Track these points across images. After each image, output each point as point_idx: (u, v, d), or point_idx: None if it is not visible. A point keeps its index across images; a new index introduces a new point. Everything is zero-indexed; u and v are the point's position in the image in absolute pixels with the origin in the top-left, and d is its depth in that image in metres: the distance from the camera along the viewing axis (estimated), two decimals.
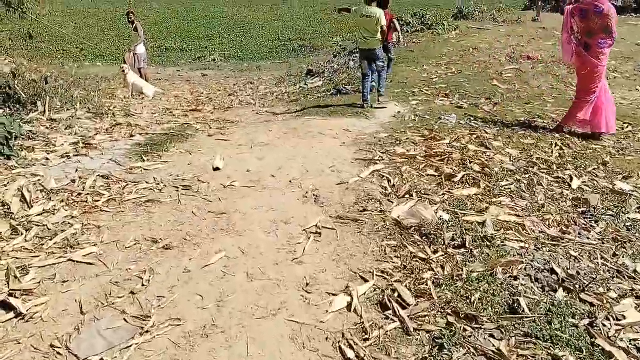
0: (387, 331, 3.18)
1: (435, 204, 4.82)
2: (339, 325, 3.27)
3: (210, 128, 8.12)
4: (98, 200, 5.05)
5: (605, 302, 3.39)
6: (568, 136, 7.18)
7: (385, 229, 4.40)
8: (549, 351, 2.94)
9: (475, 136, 6.97)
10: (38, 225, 4.54)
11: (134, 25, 13.68)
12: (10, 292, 3.63)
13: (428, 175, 5.60)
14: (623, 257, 4.01)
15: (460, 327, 3.14)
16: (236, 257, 4.07)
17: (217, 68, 21.05)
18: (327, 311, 3.40)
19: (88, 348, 3.12)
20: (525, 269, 3.75)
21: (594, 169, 5.94)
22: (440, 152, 6.24)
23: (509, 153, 6.34)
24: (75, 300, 3.56)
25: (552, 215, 4.73)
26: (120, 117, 8.65)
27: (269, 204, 5.01)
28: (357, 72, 12.90)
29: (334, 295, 3.56)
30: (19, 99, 7.98)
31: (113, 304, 3.52)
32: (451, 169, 5.71)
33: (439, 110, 8.55)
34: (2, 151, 5.92)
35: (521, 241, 4.19)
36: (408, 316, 3.26)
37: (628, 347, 2.99)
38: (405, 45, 15.30)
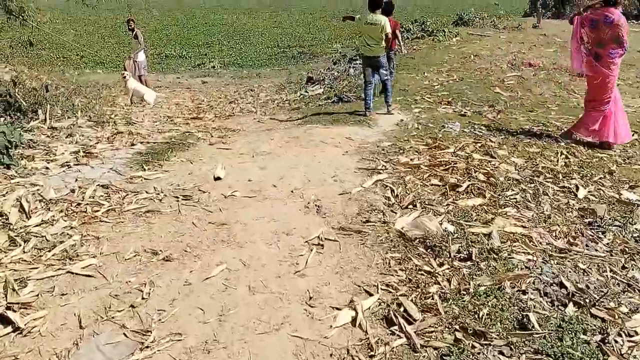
0: (393, 347, 3.10)
1: (440, 215, 4.74)
2: (343, 341, 3.19)
3: (212, 136, 8.05)
4: (97, 211, 4.98)
5: (616, 317, 3.31)
6: (573, 144, 7.12)
7: (389, 241, 4.32)
8: None
9: (479, 144, 6.90)
10: (36, 236, 4.47)
11: (134, 32, 13.63)
12: (8, 305, 3.55)
13: (432, 185, 5.53)
14: (632, 269, 3.94)
15: (469, 344, 3.06)
16: (237, 270, 3.99)
17: (216, 75, 21.02)
18: (331, 326, 3.32)
19: None
20: (533, 283, 3.68)
21: (600, 178, 5.87)
22: (445, 161, 6.17)
23: (514, 162, 6.28)
24: (74, 314, 3.49)
25: (558, 226, 4.66)
26: (122, 126, 8.58)
27: (270, 214, 4.93)
28: (358, 79, 12.87)
29: (337, 309, 3.48)
30: (20, 107, 7.93)
31: (112, 317, 3.45)
32: (456, 178, 5.64)
33: (441, 118, 8.50)
34: (2, 160, 5.85)
35: (528, 253, 4.12)
36: (414, 332, 3.18)
37: None
38: (406, 52, 15.26)
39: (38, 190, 5.37)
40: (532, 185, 5.59)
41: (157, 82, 17.02)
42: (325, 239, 4.42)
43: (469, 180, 5.57)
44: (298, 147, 6.96)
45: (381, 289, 3.67)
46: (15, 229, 4.56)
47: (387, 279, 3.78)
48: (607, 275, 3.87)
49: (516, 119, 8.72)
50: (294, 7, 50.55)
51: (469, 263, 3.93)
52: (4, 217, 4.76)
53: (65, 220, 4.75)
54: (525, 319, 3.26)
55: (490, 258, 3.98)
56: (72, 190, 5.44)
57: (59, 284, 3.82)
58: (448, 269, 3.86)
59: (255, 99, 14.20)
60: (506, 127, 8.09)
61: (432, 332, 3.21)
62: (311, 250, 4.24)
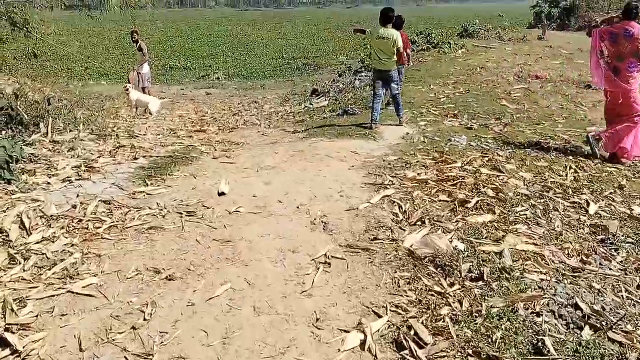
0: None
1: (450, 232, 4.63)
2: None
3: (216, 150, 7.98)
4: (99, 227, 4.88)
5: (635, 341, 3.19)
6: (582, 158, 7.02)
7: (397, 260, 4.21)
8: None
9: (487, 159, 6.81)
10: (37, 254, 4.37)
11: (138, 44, 13.62)
12: (7, 326, 3.45)
13: (440, 200, 5.43)
14: None
15: None
16: (242, 289, 3.88)
17: (221, 87, 21.02)
18: (339, 350, 3.20)
19: None
20: (548, 304, 3.56)
21: (611, 193, 5.78)
22: (453, 176, 6.07)
23: (523, 177, 6.18)
24: (75, 336, 3.37)
25: (571, 243, 4.55)
26: (124, 139, 8.51)
27: (276, 231, 4.82)
28: (363, 92, 12.82)
29: (346, 332, 3.36)
30: (22, 120, 7.87)
31: (114, 340, 3.33)
32: (464, 194, 5.54)
33: (448, 132, 8.42)
34: (3, 175, 5.77)
35: (541, 273, 4.01)
36: (426, 357, 3.06)
37: None
38: (412, 64, 15.22)
39: (39, 206, 5.28)
40: (542, 201, 5.49)
41: (161, 94, 17.00)
42: (333, 257, 4.31)
43: (478, 196, 5.47)
44: (303, 162, 6.87)
45: (391, 310, 3.55)
46: (16, 247, 4.46)
47: (396, 300, 3.67)
48: (622, 296, 3.76)
49: (523, 132, 8.64)
50: (299, 19, 50.80)
51: (480, 283, 3.81)
52: (5, 234, 4.66)
53: (66, 238, 4.65)
54: (540, 344, 3.14)
55: (502, 278, 3.86)
56: (74, 206, 5.34)
57: (59, 304, 3.72)
58: (459, 289, 3.75)
59: (260, 111, 14.15)
60: (513, 140, 8.02)
61: (444, 357, 3.09)
62: (318, 269, 4.14)
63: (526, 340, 3.19)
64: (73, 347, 3.29)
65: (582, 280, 3.96)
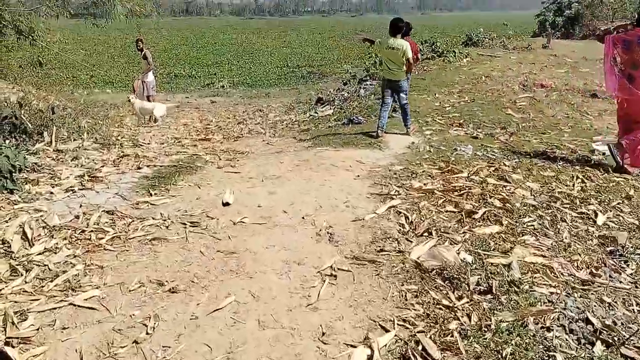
0: None
1: (457, 244, 4.56)
2: None
3: (220, 159, 7.93)
4: (102, 238, 4.82)
5: None
6: (589, 168, 6.94)
7: (404, 272, 4.14)
8: None
9: (493, 168, 6.74)
10: (39, 265, 4.32)
11: (143, 52, 13.63)
12: (7, 340, 3.39)
13: (447, 211, 5.35)
14: None
15: None
16: (246, 302, 3.82)
17: (226, 95, 21.05)
18: None
19: None
20: (558, 319, 3.48)
21: (619, 204, 5.69)
22: (459, 186, 6.00)
23: (529, 187, 6.10)
24: (76, 350, 3.32)
25: (579, 255, 4.47)
26: (128, 148, 8.48)
27: (280, 242, 4.76)
28: (368, 100, 12.78)
29: (352, 346, 3.29)
30: (25, 129, 7.84)
31: (115, 354, 3.27)
32: (471, 204, 5.47)
33: (453, 141, 8.36)
34: (6, 185, 5.73)
35: (550, 286, 3.93)
36: None
37: None
38: (416, 72, 15.20)
39: (42, 216, 5.24)
40: (550, 211, 5.41)
41: (166, 102, 17.02)
42: (338, 269, 4.24)
43: (485, 207, 5.40)
44: (308, 171, 6.81)
45: (398, 324, 3.47)
46: (17, 258, 4.41)
47: (403, 314, 3.59)
48: (634, 310, 3.67)
49: (529, 141, 8.57)
50: (303, 27, 50.95)
51: (489, 296, 3.73)
52: (6, 244, 4.62)
53: (68, 249, 4.60)
54: (551, 359, 3.07)
55: (511, 291, 3.78)
56: (77, 217, 5.30)
57: (61, 316, 3.66)
58: (468, 302, 3.67)
59: (264, 119, 14.13)
60: (519, 149, 7.95)
61: None
62: (324, 281, 4.07)
63: (537, 356, 3.11)
64: None
65: (592, 294, 3.88)
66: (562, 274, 4.15)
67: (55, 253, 4.52)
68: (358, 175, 6.57)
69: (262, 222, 5.22)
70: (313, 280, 4.10)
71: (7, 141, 7.33)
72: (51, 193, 5.95)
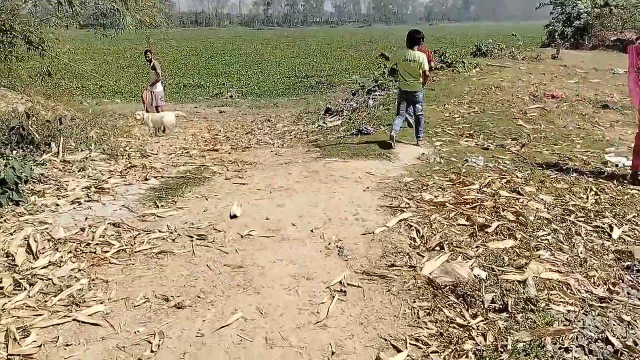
0: None
1: (470, 259, 4.44)
2: None
3: (228, 170, 7.85)
4: (107, 251, 4.74)
5: None
6: (602, 180, 6.82)
7: (416, 288, 4.02)
8: None
9: (505, 180, 6.62)
10: (42, 279, 4.23)
11: (152, 63, 13.63)
12: (9, 357, 3.31)
13: (459, 224, 5.23)
14: None
15: None
16: (253, 319, 3.71)
17: (234, 104, 21.06)
18: None
19: None
20: (576, 338, 3.35)
21: (634, 217, 5.56)
22: (471, 198, 5.88)
23: (542, 199, 5.98)
24: None
25: (596, 271, 4.34)
26: (136, 159, 8.43)
27: (289, 256, 4.66)
28: (377, 111, 12.69)
29: None
30: (33, 139, 7.81)
31: None
32: (484, 217, 5.35)
33: (464, 152, 8.25)
34: (11, 196, 5.67)
35: (567, 303, 3.80)
36: None
37: None
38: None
39: (47, 228, 5.16)
40: (564, 224, 5.29)
41: (175, 112, 17.04)
42: (348, 284, 4.13)
43: (498, 220, 5.28)
44: (317, 183, 6.72)
45: (410, 343, 3.36)
46: (21, 271, 4.33)
47: (416, 332, 3.47)
48: None
49: (541, 152, 8.46)
50: (311, 38, 51.09)
51: (504, 315, 3.61)
52: (10, 257, 4.55)
53: (73, 262, 4.51)
54: None
55: (527, 309, 3.66)
56: (82, 229, 5.22)
57: (64, 333, 3.57)
58: (482, 321, 3.55)
59: (273, 129, 14.07)
60: (531, 161, 7.83)
61: None
62: (333, 297, 3.96)
63: None
64: None
65: (611, 311, 3.75)
66: (579, 290, 4.03)
67: (60, 267, 4.44)
68: (367, 187, 6.47)
69: (270, 235, 5.12)
70: (322, 295, 4.00)
71: (15, 152, 7.29)
72: (57, 205, 5.89)
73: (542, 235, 5.01)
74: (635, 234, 5.16)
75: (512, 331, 3.41)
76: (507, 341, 3.30)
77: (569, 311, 3.70)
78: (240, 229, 5.25)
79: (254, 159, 8.98)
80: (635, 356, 3.20)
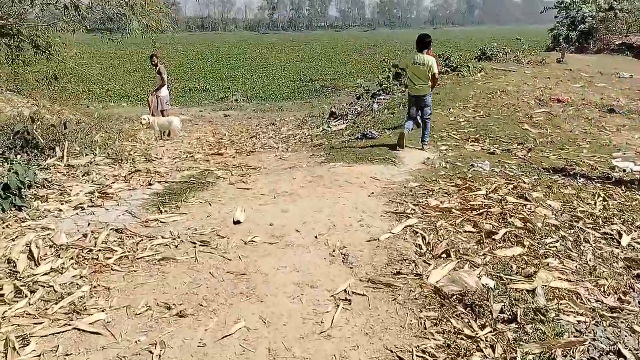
0: None
1: (477, 267, 4.36)
2: None
3: (232, 175, 7.80)
4: (110, 258, 4.68)
5: None
6: (610, 186, 6.73)
7: (423, 297, 3.95)
8: None
9: (512, 186, 6.54)
10: (44, 287, 4.18)
11: (158, 68, 13.61)
12: None
13: (466, 231, 5.15)
14: None
15: None
16: (257, 329, 3.64)
17: (239, 108, 21.05)
18: None
19: None
20: (588, 351, 3.27)
21: None
22: (478, 204, 5.80)
23: (550, 205, 5.89)
24: None
25: (606, 279, 4.26)
26: (140, 163, 8.39)
27: (293, 263, 4.59)
28: (382, 115, 12.63)
29: None
30: (37, 144, 7.78)
31: None
32: (491, 224, 5.26)
33: (470, 157, 8.17)
34: (14, 202, 5.63)
35: (578, 314, 3.72)
36: None
37: None
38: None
39: (49, 235, 5.12)
40: (572, 231, 5.21)
41: (180, 116, 17.02)
42: (353, 293, 4.06)
43: (506, 227, 5.19)
44: (322, 188, 6.64)
45: (417, 355, 3.28)
46: (23, 278, 4.29)
47: (423, 344, 3.40)
48: None
49: (548, 157, 8.35)
50: (316, 42, 51.16)
51: (514, 326, 3.53)
52: (12, 264, 4.50)
53: (75, 269, 4.46)
54: None
55: (537, 320, 3.57)
56: (85, 235, 5.17)
57: (64, 342, 3.51)
58: (491, 332, 3.47)
59: (277, 133, 14.03)
60: (538, 166, 7.73)
61: None
62: (338, 306, 3.89)
63: None
64: None
65: (622, 322, 3.67)
66: (589, 300, 3.95)
67: (62, 273, 4.40)
68: (373, 193, 6.39)
69: (273, 241, 5.06)
70: (326, 305, 3.93)
71: (19, 156, 7.27)
72: (60, 210, 5.85)
73: (551, 243, 4.92)
74: None
75: (521, 343, 3.34)
76: (516, 353, 3.22)
77: (579, 322, 3.62)
78: (244, 235, 5.19)
79: (259, 163, 8.93)
80: None
